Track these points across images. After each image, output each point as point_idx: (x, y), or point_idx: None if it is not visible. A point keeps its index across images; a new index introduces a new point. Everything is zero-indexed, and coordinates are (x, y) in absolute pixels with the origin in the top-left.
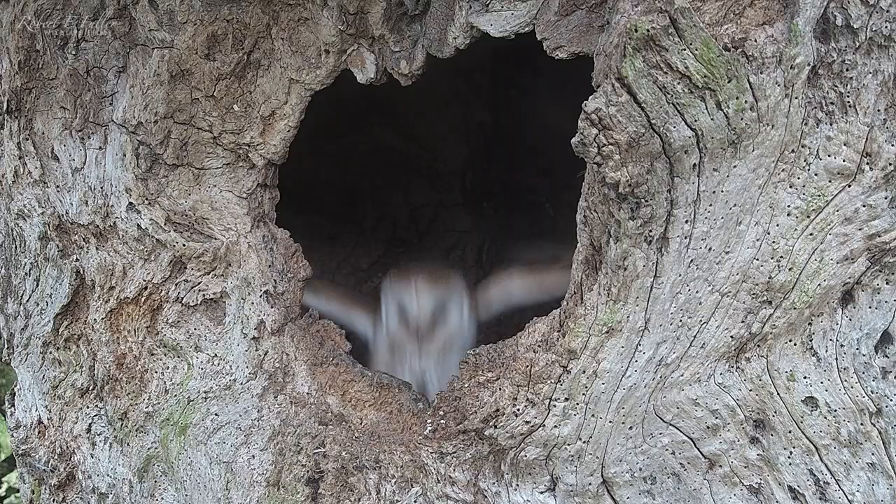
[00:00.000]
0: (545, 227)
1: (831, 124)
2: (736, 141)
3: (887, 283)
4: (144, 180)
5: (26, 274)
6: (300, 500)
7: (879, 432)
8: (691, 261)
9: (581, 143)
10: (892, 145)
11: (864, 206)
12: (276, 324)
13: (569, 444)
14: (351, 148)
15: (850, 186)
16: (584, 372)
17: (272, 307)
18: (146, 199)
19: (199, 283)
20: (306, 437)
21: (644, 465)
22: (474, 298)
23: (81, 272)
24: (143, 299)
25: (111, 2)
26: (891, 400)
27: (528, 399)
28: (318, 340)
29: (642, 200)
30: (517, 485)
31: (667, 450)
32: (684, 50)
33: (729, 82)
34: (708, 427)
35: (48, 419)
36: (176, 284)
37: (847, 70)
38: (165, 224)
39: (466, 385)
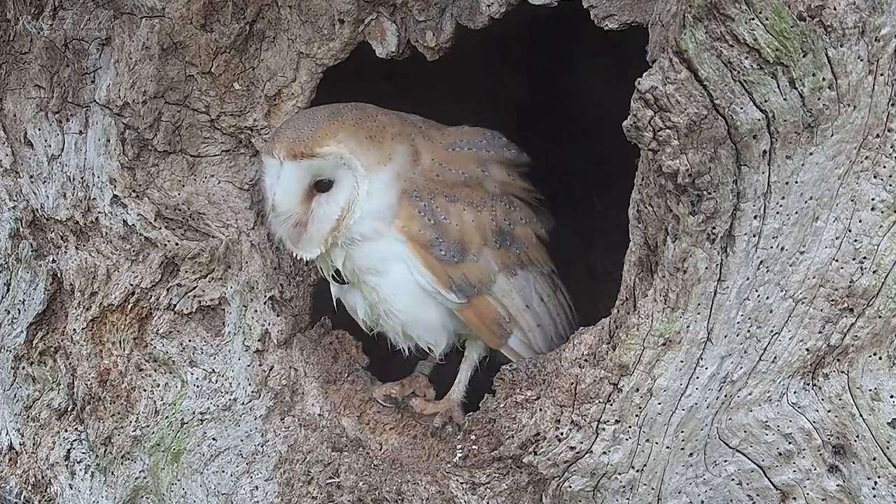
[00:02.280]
0: (592, 224)
1: None
2: (812, 124)
3: None
4: (131, 169)
5: None
6: None
7: None
8: (761, 262)
9: (634, 126)
10: None
11: None
12: (283, 335)
13: (620, 474)
14: None
15: None
16: (638, 390)
17: (278, 316)
18: (133, 191)
19: (195, 288)
20: (318, 466)
21: (707, 498)
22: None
23: (59, 275)
24: (129, 306)
25: None
26: None
27: (572, 421)
28: (332, 354)
29: (704, 192)
30: None
31: (732, 479)
32: (753, 20)
33: (804, 57)
34: (780, 454)
35: (20, 444)
36: (167, 289)
37: None
38: (156, 220)
39: (502, 405)
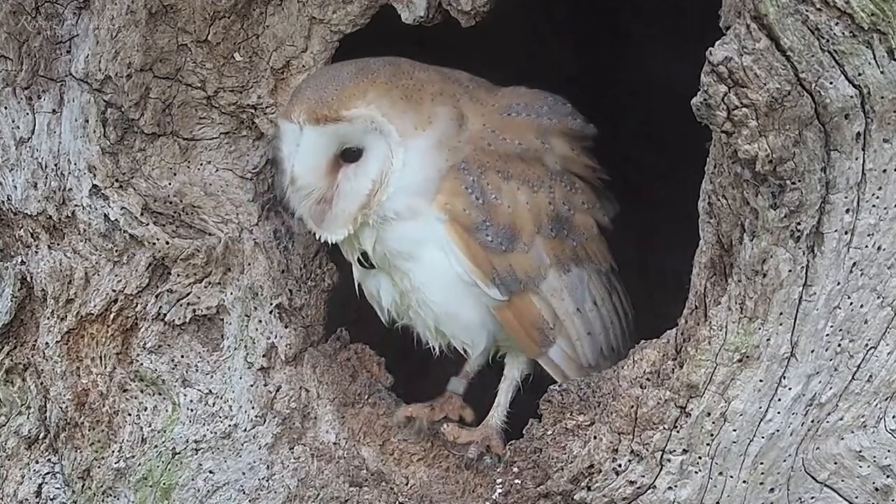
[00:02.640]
0: (654, 218)
1: None
2: None
3: None
4: (114, 155)
5: None
6: None
7: None
8: (854, 264)
9: (705, 104)
10: None
11: None
12: (293, 349)
13: None
14: None
15: None
16: (709, 414)
17: (286, 327)
18: (116, 180)
19: (188, 295)
20: (334, 503)
21: None
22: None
23: (28, 280)
24: (111, 316)
25: None
26: None
27: (633, 451)
28: (349, 372)
29: (787, 182)
30: None
31: None
32: None
33: None
34: (877, 489)
35: None
36: (156, 296)
37: None
38: (142, 214)
39: (549, 432)
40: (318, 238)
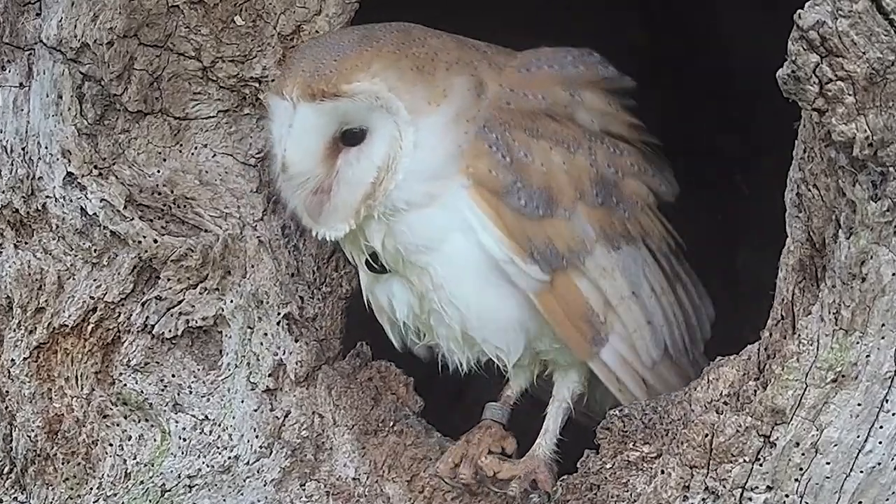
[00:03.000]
0: (733, 212)
1: None
2: None
3: None
4: (92, 137)
5: None
6: None
7: None
8: None
9: (793, 77)
10: None
11: None
12: (304, 367)
13: None
14: None
15: None
16: (798, 445)
17: (297, 341)
18: (95, 167)
19: (181, 303)
20: None
21: None
22: None
23: None
24: (89, 328)
25: None
26: None
27: (707, 488)
28: (371, 394)
29: (891, 169)
30: None
31: None
32: None
33: None
34: None
35: None
36: (143, 304)
37: None
38: (126, 207)
39: (609, 466)
40: (315, 235)
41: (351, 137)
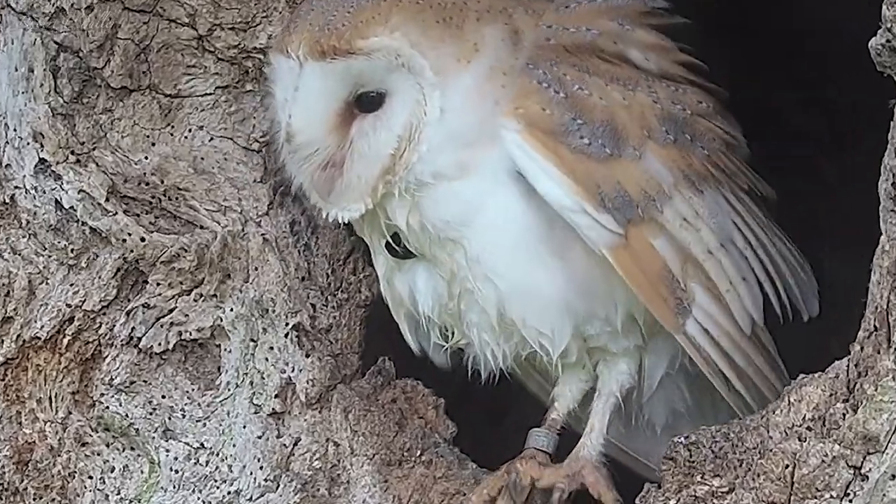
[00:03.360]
0: (819, 204)
1: None
2: None
3: None
4: (69, 118)
5: None
6: None
7: None
8: None
9: (888, 46)
10: None
11: None
12: (316, 386)
13: None
14: None
15: None
16: (894, 477)
17: (308, 356)
18: (72, 152)
19: (172, 311)
20: None
21: None
22: None
23: None
24: (65, 341)
25: None
26: None
27: None
28: (395, 418)
29: None
30: None
31: None
32: None
33: None
34: None
35: None
36: (128, 313)
37: None
38: (108, 200)
39: (672, 502)
40: (325, 216)
41: (367, 102)
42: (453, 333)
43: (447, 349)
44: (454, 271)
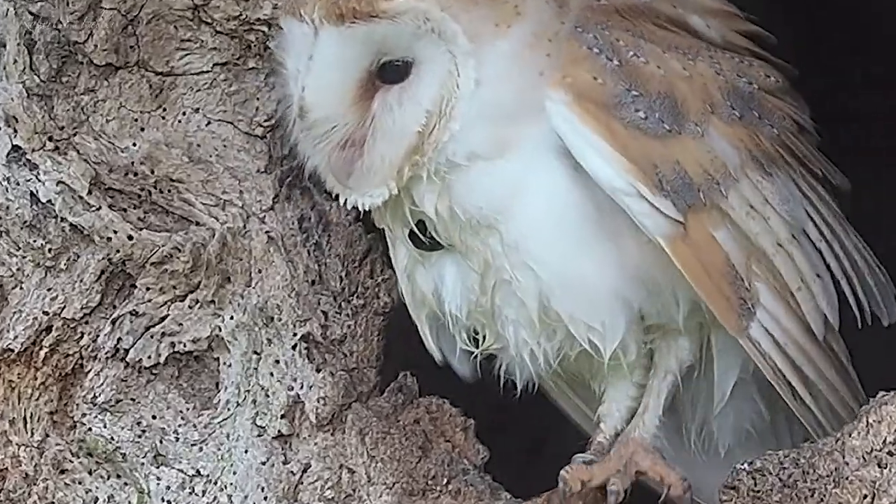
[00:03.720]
0: (886, 186)
1: None
2: None
3: None
4: (46, 99)
5: None
6: None
7: None
8: None
9: None
10: None
11: None
12: (328, 405)
13: None
14: None
15: None
16: None
17: (319, 371)
18: (50, 138)
19: (164, 320)
20: None
21: None
22: None
23: None
24: (42, 353)
25: None
26: None
27: None
28: (418, 441)
29: None
30: None
31: None
32: None
33: None
34: None
35: None
36: (113, 322)
37: None
38: (91, 193)
39: None
40: (343, 202)
41: (391, 72)
42: (485, 337)
43: (476, 356)
44: (488, 260)
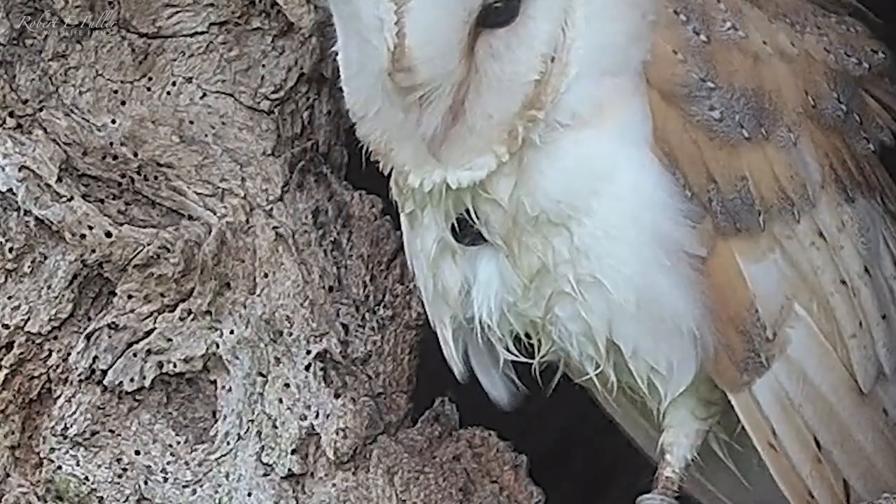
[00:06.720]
0: None
1: None
2: None
3: None
4: (6, 66)
5: None
6: None
7: None
8: None
9: None
10: None
11: None
12: (350, 438)
13: None
14: None
15: None
16: None
17: (338, 396)
18: (11, 114)
19: (150, 335)
20: None
21: None
22: None
23: None
24: (1, 375)
25: None
26: None
27: None
28: (459, 482)
29: None
30: None
31: None
32: None
33: None
34: None
35: None
36: (88, 337)
37: None
38: (61, 180)
39: None
40: (432, 184)
41: (495, 13)
42: (540, 342)
43: (533, 367)
44: (547, 265)
